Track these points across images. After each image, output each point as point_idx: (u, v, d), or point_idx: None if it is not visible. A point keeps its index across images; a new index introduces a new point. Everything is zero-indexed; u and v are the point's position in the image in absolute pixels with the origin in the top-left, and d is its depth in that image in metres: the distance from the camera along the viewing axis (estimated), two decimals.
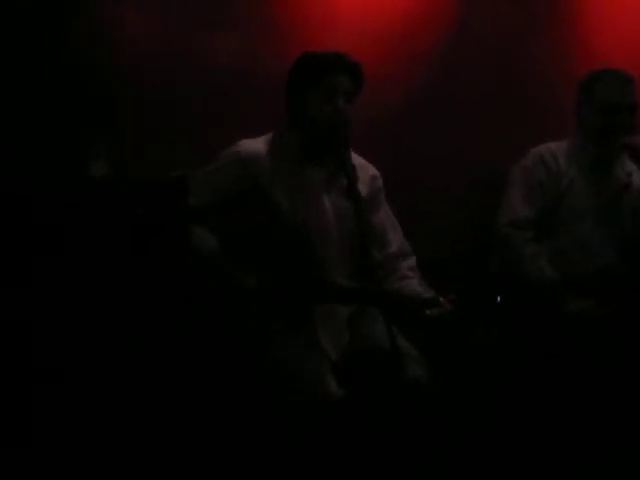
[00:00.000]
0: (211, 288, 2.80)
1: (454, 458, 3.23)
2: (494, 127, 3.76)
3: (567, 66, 3.81)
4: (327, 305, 2.88)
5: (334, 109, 2.90)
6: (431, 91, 3.70)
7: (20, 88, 3.17)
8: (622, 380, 3.20)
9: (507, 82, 3.80)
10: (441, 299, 2.84)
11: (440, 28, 3.71)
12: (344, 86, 2.92)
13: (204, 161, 3.00)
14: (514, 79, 3.81)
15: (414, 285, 3.02)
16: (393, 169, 3.32)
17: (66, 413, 2.49)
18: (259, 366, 2.78)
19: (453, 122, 3.72)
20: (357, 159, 3.01)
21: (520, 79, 3.81)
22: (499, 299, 2.75)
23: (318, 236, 2.92)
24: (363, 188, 2.97)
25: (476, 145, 3.75)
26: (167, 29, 3.36)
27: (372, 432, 2.80)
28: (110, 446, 2.51)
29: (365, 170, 3.07)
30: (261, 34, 3.44)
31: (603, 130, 3.45)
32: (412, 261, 3.11)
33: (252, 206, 2.93)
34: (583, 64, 3.68)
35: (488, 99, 3.77)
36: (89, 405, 2.49)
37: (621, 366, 3.20)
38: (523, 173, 3.53)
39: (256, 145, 2.99)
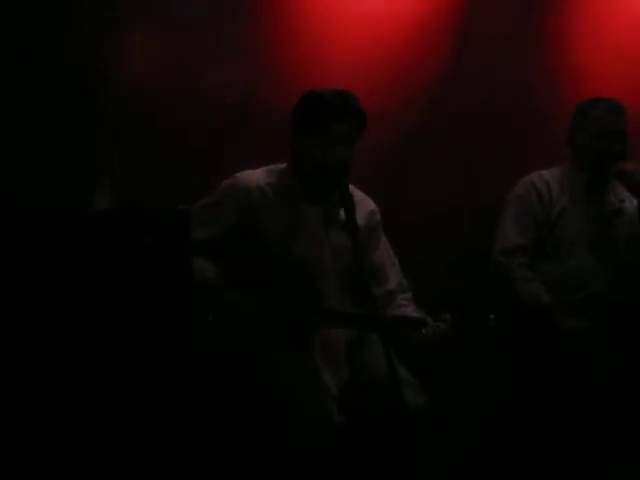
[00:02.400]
0: (210, 315, 2.84)
1: None
2: (490, 157, 3.81)
3: (558, 96, 3.88)
4: (325, 332, 2.90)
5: (332, 156, 2.88)
6: (426, 123, 3.74)
7: (22, 122, 3.19)
8: (619, 397, 3.25)
9: (502, 113, 3.85)
10: (435, 320, 2.87)
11: (435, 61, 3.75)
12: (344, 133, 2.88)
13: (201, 191, 3.03)
14: (508, 110, 3.86)
15: (409, 312, 3.02)
16: (390, 202, 3.36)
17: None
18: (260, 393, 2.80)
19: (449, 153, 3.77)
20: (356, 193, 3.01)
21: (514, 109, 3.86)
22: (492, 317, 2.79)
23: (315, 271, 2.92)
24: (360, 222, 2.96)
25: (472, 175, 3.79)
26: (166, 62, 3.40)
27: (372, 458, 2.83)
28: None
29: (364, 205, 3.07)
30: (255, 67, 3.47)
31: (596, 157, 3.50)
32: (408, 295, 3.11)
33: (250, 239, 2.95)
34: (574, 94, 3.75)
35: (483, 129, 3.81)
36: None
37: (617, 382, 3.25)
38: (516, 201, 3.59)
39: (255, 177, 3.00)
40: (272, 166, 3.06)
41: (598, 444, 3.27)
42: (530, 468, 3.32)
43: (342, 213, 2.88)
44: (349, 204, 2.82)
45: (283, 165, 3.04)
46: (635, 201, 3.55)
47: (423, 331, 2.86)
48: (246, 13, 3.46)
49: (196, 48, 3.41)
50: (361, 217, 2.99)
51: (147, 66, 3.38)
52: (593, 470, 3.27)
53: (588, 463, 3.27)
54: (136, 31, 3.36)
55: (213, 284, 2.86)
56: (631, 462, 3.26)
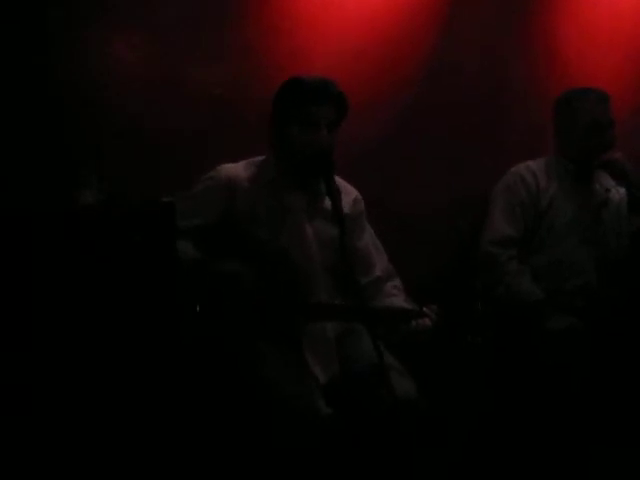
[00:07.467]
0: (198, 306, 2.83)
1: (447, 472, 3.27)
2: (475, 149, 3.83)
3: (544, 88, 3.89)
4: (314, 325, 2.88)
5: (316, 139, 2.87)
6: (412, 115, 3.75)
7: (7, 119, 3.20)
8: (605, 395, 3.24)
9: (486, 104, 3.87)
10: (424, 309, 2.85)
11: (420, 53, 3.77)
12: (327, 116, 2.88)
13: (188, 186, 3.01)
14: (493, 101, 3.88)
15: (400, 302, 3.01)
16: (376, 193, 3.35)
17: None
18: (246, 385, 2.79)
19: (434, 145, 3.78)
20: (339, 182, 2.99)
21: (499, 101, 3.89)
22: (480, 307, 2.79)
23: (301, 261, 2.91)
24: (345, 210, 2.92)
25: (457, 167, 3.81)
26: (152, 59, 3.41)
27: (362, 450, 2.81)
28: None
29: (347, 193, 3.06)
30: (240, 62, 3.48)
31: (588, 147, 3.50)
32: (397, 282, 3.10)
33: (234, 231, 2.93)
34: (559, 85, 3.75)
35: (468, 122, 3.83)
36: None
37: (603, 382, 3.24)
38: (504, 192, 3.58)
39: (236, 169, 2.99)
40: (252, 159, 3.04)
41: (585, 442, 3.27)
42: (521, 460, 3.32)
43: (327, 202, 2.87)
44: (335, 193, 2.80)
45: (262, 157, 3.03)
46: (620, 190, 3.56)
47: (413, 323, 2.84)
48: (231, 7, 3.46)
49: (181, 41, 3.41)
50: (345, 205, 2.96)
51: (132, 63, 3.38)
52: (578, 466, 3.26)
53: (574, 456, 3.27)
54: (121, 30, 3.36)
55: (202, 259, 2.84)
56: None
